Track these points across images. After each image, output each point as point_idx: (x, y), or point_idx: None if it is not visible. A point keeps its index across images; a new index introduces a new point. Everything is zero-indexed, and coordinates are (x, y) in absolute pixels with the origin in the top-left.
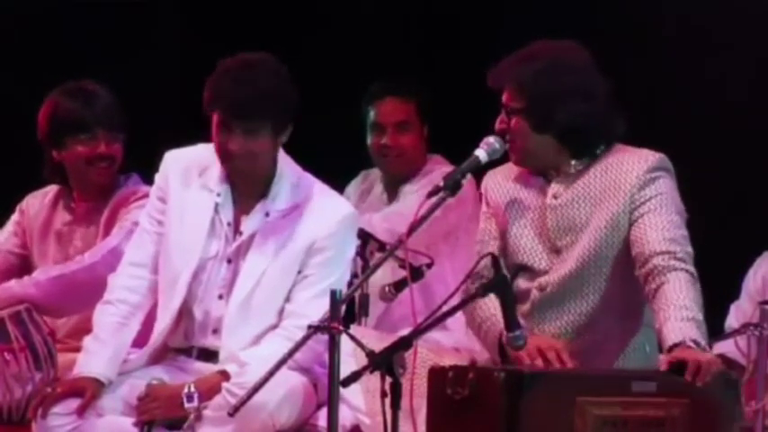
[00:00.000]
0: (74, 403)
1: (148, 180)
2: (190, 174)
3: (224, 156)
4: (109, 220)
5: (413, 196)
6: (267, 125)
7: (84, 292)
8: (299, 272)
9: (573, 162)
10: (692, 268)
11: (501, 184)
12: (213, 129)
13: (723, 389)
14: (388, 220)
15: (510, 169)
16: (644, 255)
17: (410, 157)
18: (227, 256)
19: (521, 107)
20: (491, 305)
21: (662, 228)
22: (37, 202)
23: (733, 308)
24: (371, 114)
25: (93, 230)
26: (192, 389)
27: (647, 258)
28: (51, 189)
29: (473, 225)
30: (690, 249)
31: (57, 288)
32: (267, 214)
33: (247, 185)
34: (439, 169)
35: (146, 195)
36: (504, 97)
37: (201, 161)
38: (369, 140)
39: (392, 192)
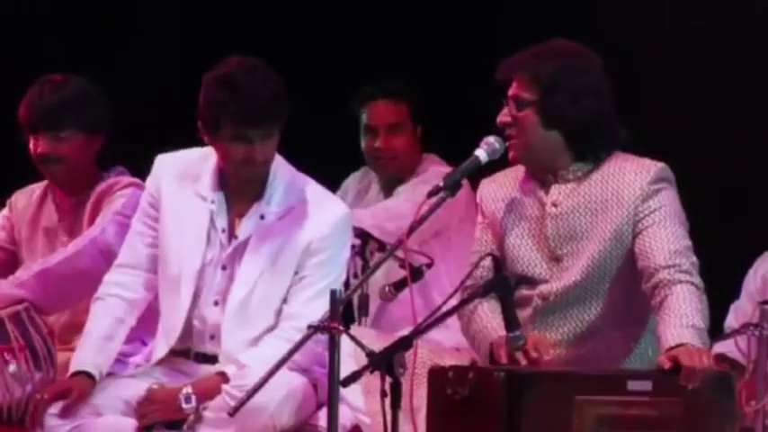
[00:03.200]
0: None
1: (139, 176)
2: (183, 180)
3: (244, 166)
4: (92, 213)
5: (401, 195)
6: (278, 127)
7: (69, 284)
8: (296, 273)
9: (572, 167)
10: (697, 279)
11: (496, 192)
12: (222, 144)
13: (717, 388)
14: (375, 216)
15: (505, 177)
16: (650, 269)
17: (404, 158)
18: (221, 263)
19: (534, 99)
20: (484, 317)
21: (666, 240)
22: (25, 199)
23: (733, 308)
24: (363, 117)
25: (79, 225)
26: (190, 390)
27: (653, 272)
28: (39, 185)
29: (465, 226)
30: (695, 260)
31: (41, 283)
32: (262, 217)
33: (244, 189)
34: (432, 169)
35: (129, 185)
36: (515, 89)
37: (194, 168)
38: (362, 144)
39: (388, 193)
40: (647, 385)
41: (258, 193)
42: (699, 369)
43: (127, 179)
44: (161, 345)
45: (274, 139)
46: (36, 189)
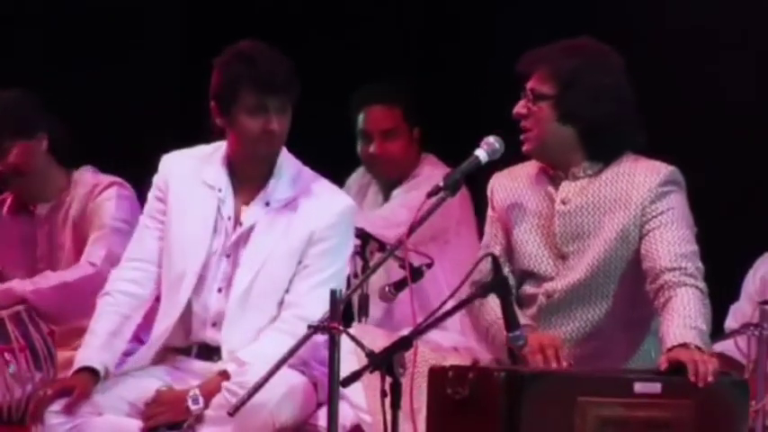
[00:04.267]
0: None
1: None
2: (190, 171)
3: (261, 138)
4: (79, 217)
5: (395, 201)
6: (291, 102)
7: (83, 301)
8: (300, 262)
9: (583, 165)
10: (701, 284)
11: (507, 186)
12: (239, 118)
13: (732, 390)
14: (372, 224)
15: (517, 171)
16: (655, 270)
17: (399, 162)
18: (226, 251)
19: (552, 94)
20: (497, 309)
21: (673, 243)
22: None
23: (732, 310)
24: (359, 122)
25: (58, 228)
26: (197, 392)
27: (658, 274)
28: (6, 196)
29: (463, 228)
30: (700, 265)
31: (57, 296)
32: (268, 204)
33: (252, 173)
34: (426, 170)
35: (110, 185)
36: (534, 82)
37: (202, 160)
38: (358, 148)
39: (387, 194)
40: (655, 387)
41: (264, 180)
42: (700, 362)
43: (106, 179)
44: (159, 331)
45: (288, 113)
46: (6, 199)
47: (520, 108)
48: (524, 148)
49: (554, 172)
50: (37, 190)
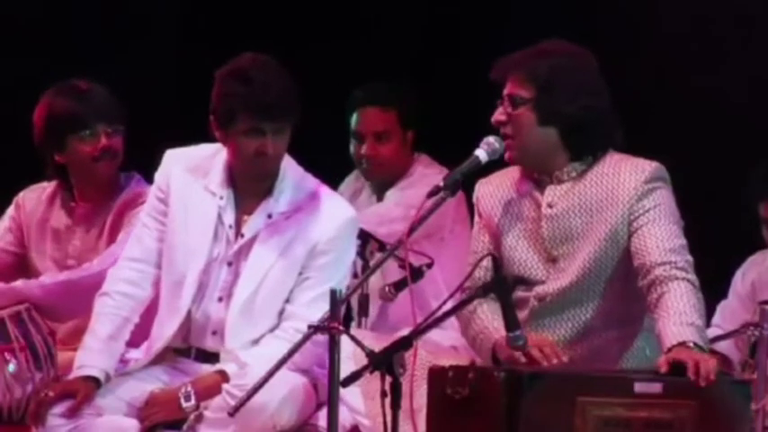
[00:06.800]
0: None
1: (150, 179)
2: (192, 175)
3: (255, 160)
4: (114, 223)
5: (392, 197)
6: (290, 123)
7: (90, 297)
8: (300, 273)
9: (567, 168)
10: (692, 277)
11: (493, 193)
12: (235, 138)
13: (734, 390)
14: (367, 221)
15: (502, 177)
16: (645, 266)
17: (390, 164)
18: (227, 259)
19: (530, 97)
20: (485, 318)
21: (662, 238)
22: (34, 197)
23: (720, 307)
24: (352, 122)
25: (94, 231)
26: (190, 389)
27: (649, 270)
28: (49, 184)
29: (458, 227)
30: (689, 258)
31: (62, 292)
32: (269, 216)
33: (253, 186)
34: (418, 171)
35: None
36: (510, 87)
37: (204, 164)
38: (351, 149)
39: (380, 196)
40: (656, 387)
41: (266, 192)
42: (701, 362)
43: (148, 191)
44: (159, 338)
45: (286, 135)
46: (47, 188)
47: (499, 115)
48: (507, 155)
49: (538, 176)
50: (108, 180)
